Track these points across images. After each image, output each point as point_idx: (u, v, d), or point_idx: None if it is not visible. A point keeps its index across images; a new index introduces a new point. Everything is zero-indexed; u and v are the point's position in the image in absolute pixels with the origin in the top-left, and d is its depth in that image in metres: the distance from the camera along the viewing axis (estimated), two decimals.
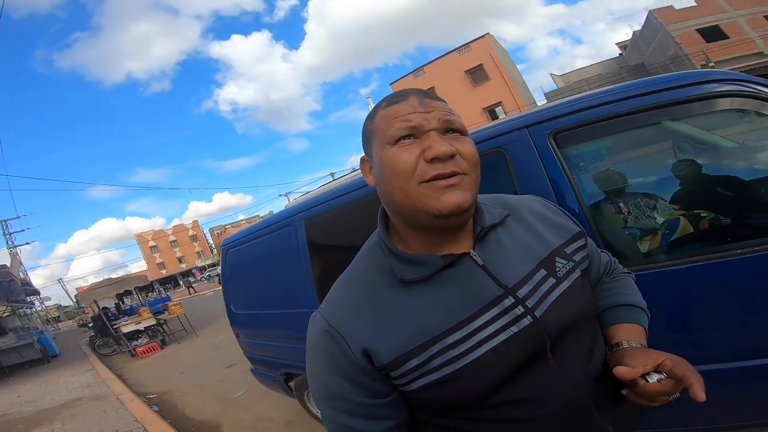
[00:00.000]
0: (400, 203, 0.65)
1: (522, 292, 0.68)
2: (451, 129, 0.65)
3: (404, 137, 0.64)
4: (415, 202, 0.63)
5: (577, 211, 1.51)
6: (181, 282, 55.60)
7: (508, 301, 0.66)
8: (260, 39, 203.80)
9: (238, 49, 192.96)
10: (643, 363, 0.65)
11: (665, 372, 0.63)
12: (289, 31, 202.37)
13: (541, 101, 25.34)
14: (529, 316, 0.66)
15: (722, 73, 1.48)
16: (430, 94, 0.69)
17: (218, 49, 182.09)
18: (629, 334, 0.75)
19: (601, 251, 0.93)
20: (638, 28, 24.96)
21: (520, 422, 0.66)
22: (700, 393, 0.59)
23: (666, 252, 1.62)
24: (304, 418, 3.24)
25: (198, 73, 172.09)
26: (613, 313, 0.81)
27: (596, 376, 0.71)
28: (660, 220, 1.69)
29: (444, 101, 0.69)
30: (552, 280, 0.71)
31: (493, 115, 25.69)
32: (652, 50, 22.60)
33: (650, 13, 22.02)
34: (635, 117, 1.48)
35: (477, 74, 26.60)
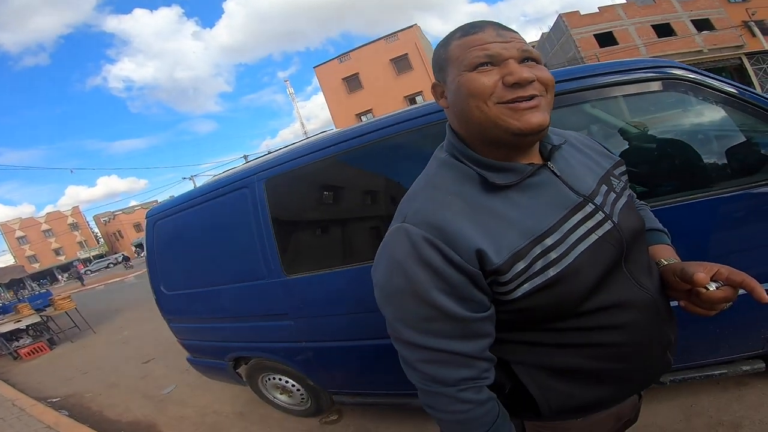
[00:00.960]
0: (477, 121, 0.68)
1: (597, 199, 0.75)
2: (527, 58, 0.68)
3: (483, 64, 0.67)
4: (494, 120, 0.66)
5: None
6: (60, 276, 48.18)
7: (589, 207, 0.73)
8: (168, 15, 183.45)
9: (140, 24, 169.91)
10: (703, 271, 0.70)
11: (722, 280, 0.69)
12: (204, 9, 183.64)
13: None
14: (609, 221, 0.73)
15: (663, 61, 1.67)
16: (504, 25, 0.71)
17: (115, 23, 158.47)
18: (666, 253, 0.85)
19: None
20: (547, 30, 27.20)
21: (608, 329, 0.71)
22: (764, 294, 0.65)
23: None
24: (257, 406, 3.02)
25: (85, 48, 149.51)
26: (648, 236, 0.90)
27: (658, 288, 0.77)
28: None
29: (517, 32, 0.71)
30: (613, 194, 0.79)
31: (413, 103, 26.60)
32: (554, 52, 25.02)
33: (559, 16, 24.07)
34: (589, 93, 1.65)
35: (401, 63, 27.20)
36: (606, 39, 22.58)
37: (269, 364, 2.49)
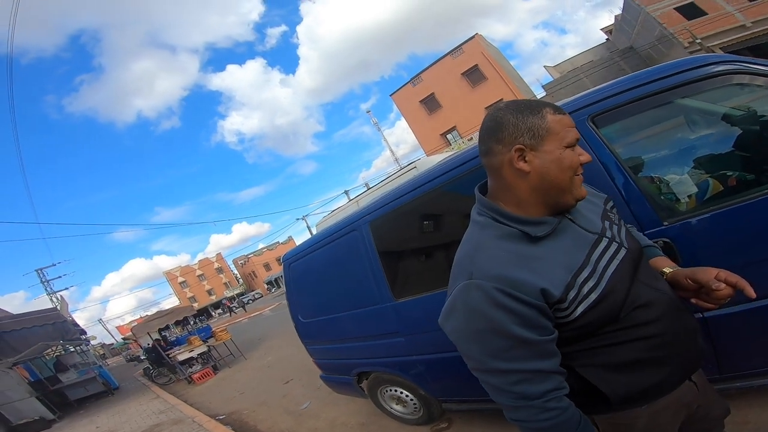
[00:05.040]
0: (563, 187, 0.89)
1: (607, 234, 0.96)
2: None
3: (573, 145, 0.89)
4: (570, 188, 0.90)
5: (624, 180, 1.71)
6: (214, 312, 56.36)
7: (604, 240, 0.93)
8: (255, 66, 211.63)
9: (236, 78, 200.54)
10: (712, 275, 0.91)
11: (721, 280, 0.89)
12: (283, 57, 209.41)
13: (539, 93, 25.38)
14: (623, 248, 0.94)
15: (718, 56, 1.67)
16: None
17: (218, 81, 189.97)
18: (666, 263, 1.07)
19: None
20: (618, 12, 24.96)
21: (644, 324, 0.90)
22: (752, 291, 0.87)
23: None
24: (377, 418, 3.41)
25: (203, 107, 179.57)
26: (645, 251, 1.09)
27: (669, 288, 0.97)
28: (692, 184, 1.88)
29: None
30: (615, 226, 1.00)
31: None
32: (637, 32, 22.64)
33: None
34: (654, 98, 1.68)
35: (474, 75, 26.79)
36: (690, 11, 19.83)
37: (386, 377, 2.91)
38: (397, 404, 3.11)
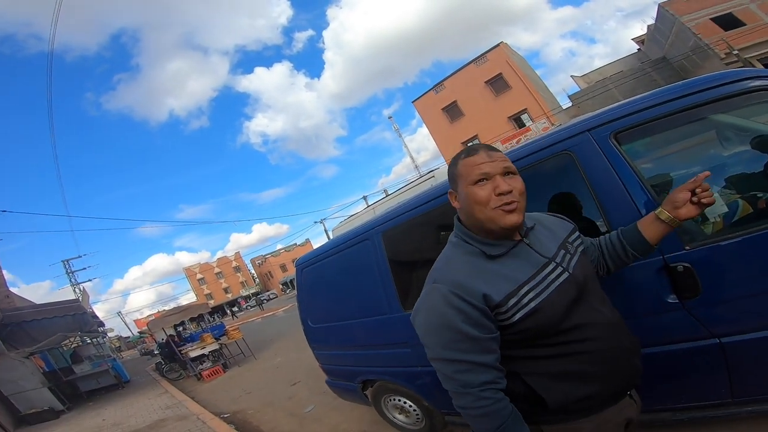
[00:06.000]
0: (480, 219, 1.07)
1: (557, 259, 1.12)
2: (507, 172, 1.07)
3: (480, 180, 1.06)
4: (491, 218, 1.05)
5: (646, 199, 1.65)
6: (228, 311, 57.33)
7: (552, 265, 1.10)
8: (282, 69, 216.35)
9: (263, 81, 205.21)
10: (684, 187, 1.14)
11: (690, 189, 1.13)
12: (309, 61, 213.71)
13: (566, 104, 24.96)
14: (566, 272, 1.11)
15: (755, 70, 1.60)
16: (492, 147, 1.13)
17: (246, 83, 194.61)
18: (649, 216, 1.24)
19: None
20: (651, 22, 24.64)
21: (582, 341, 1.05)
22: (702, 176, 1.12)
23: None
24: (379, 427, 3.37)
25: (231, 108, 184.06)
26: (627, 228, 1.29)
27: (611, 310, 1.14)
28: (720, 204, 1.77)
29: (500, 151, 1.13)
30: (569, 255, 1.16)
31: (519, 123, 25.45)
32: (671, 43, 22.21)
33: (660, 6, 21.75)
34: (683, 114, 1.62)
35: (497, 84, 26.31)
36: (727, 21, 19.41)
37: (391, 386, 2.88)
38: (400, 414, 3.07)
